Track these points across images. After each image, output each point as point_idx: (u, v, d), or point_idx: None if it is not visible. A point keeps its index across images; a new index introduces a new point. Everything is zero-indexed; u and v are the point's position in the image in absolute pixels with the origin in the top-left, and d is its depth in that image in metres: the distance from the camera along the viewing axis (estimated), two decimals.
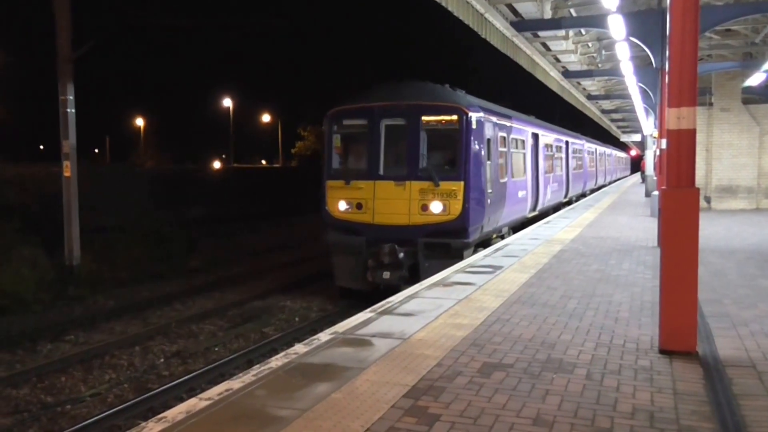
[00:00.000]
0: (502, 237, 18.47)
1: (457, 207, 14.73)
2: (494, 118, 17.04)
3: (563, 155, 30.21)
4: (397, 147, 15.44)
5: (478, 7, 19.38)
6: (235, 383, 5.91)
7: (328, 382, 5.94)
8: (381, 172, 15.34)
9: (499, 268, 12.21)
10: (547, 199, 25.05)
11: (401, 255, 14.73)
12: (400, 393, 5.64)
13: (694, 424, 4.98)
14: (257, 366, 6.43)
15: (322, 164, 16.37)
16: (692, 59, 6.92)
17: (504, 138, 18.10)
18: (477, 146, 15.26)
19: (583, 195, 39.66)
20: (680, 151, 6.92)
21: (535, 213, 23.09)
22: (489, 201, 15.91)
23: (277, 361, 6.56)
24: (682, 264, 6.80)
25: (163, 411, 5.45)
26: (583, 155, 38.68)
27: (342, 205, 15.61)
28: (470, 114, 15.03)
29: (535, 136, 23.31)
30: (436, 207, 14.81)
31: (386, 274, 14.78)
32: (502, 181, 17.47)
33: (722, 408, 5.32)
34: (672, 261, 6.84)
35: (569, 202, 32.67)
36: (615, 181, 68.40)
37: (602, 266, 12.33)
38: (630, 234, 17.77)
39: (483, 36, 20.66)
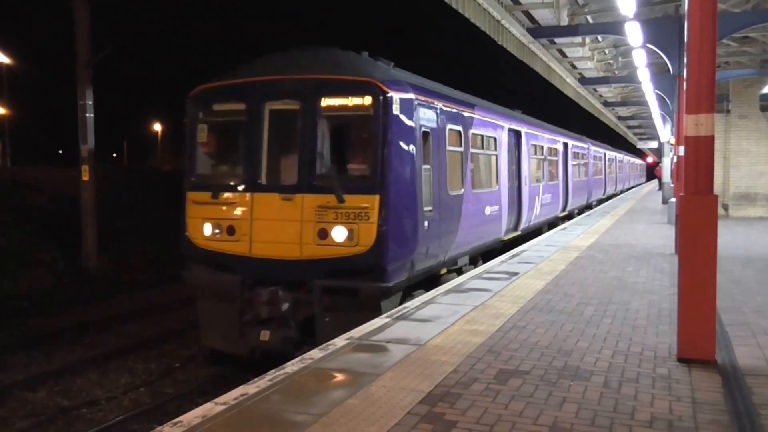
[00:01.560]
0: (460, 271, 13.68)
1: (369, 233, 9.92)
2: (439, 104, 12.21)
3: (560, 160, 25.18)
4: (287, 143, 10.83)
5: (494, 13, 19.37)
6: (250, 388, 5.91)
7: (343, 387, 5.93)
8: (262, 179, 10.70)
9: (515, 274, 12.17)
10: (535, 214, 20.48)
11: (286, 306, 10.29)
12: (416, 399, 5.62)
13: None
14: (273, 371, 6.43)
15: (184, 169, 11.70)
16: (710, 66, 6.88)
17: (459, 133, 13.42)
18: (404, 142, 10.55)
19: (589, 207, 34.96)
20: (698, 158, 6.87)
21: (517, 233, 18.34)
22: (428, 223, 11.19)
23: (293, 366, 6.55)
24: (700, 271, 6.74)
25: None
26: (588, 161, 33.41)
27: (207, 229, 10.85)
28: (392, 94, 10.19)
29: (516, 135, 18.39)
30: (339, 233, 10.03)
31: (264, 335, 10.27)
32: (454, 193, 12.75)
33: (741, 417, 5.27)
34: (690, 268, 6.79)
35: (569, 217, 28.12)
36: (628, 189, 63.98)
37: (619, 273, 12.26)
38: (647, 241, 17.66)
39: (500, 42, 20.64)
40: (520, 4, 19.91)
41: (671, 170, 29.18)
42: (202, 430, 4.97)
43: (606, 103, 44.00)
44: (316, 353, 7.03)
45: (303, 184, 10.35)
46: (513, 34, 21.51)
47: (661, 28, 18.48)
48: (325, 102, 10.40)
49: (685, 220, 6.85)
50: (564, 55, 27.37)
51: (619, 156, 54.98)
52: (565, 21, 21.07)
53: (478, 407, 5.46)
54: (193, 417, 5.22)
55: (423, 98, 11.39)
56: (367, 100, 10.17)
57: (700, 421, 5.16)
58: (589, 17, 21.93)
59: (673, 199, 20.15)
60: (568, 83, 32.16)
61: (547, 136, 22.80)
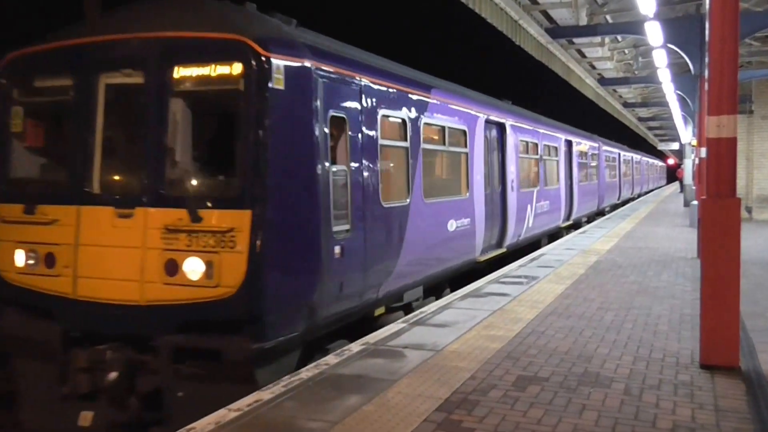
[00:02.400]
0: (408, 308, 10.28)
1: (235, 267, 6.79)
2: (364, 80, 8.90)
3: (562, 160, 21.83)
4: (129, 133, 7.70)
5: (512, 13, 19.27)
6: (264, 394, 5.85)
7: (359, 393, 5.85)
8: (93, 187, 7.44)
9: (534, 278, 12.05)
10: (527, 226, 17.00)
11: (116, 374, 6.98)
12: (433, 406, 5.54)
13: None
14: (287, 377, 6.37)
15: None
16: (732, 66, 6.76)
17: (403, 123, 10.11)
18: (296, 132, 7.44)
19: (601, 213, 31.64)
20: (720, 160, 6.75)
21: (502, 251, 14.97)
22: (341, 248, 7.95)
23: (307, 372, 6.49)
24: (723, 276, 6.61)
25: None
26: (599, 162, 29.79)
27: (20, 257, 7.67)
28: (274, 60, 7.10)
29: (499, 129, 15.23)
30: (193, 267, 6.90)
31: (85, 417, 7.05)
32: (392, 204, 9.49)
33: (766, 425, 5.15)
34: (713, 272, 6.66)
35: (576, 226, 24.73)
36: (647, 193, 59.68)
37: (640, 278, 12.10)
38: (668, 245, 17.47)
39: (517, 43, 20.54)
40: (537, 3, 19.81)
41: (693, 172, 28.89)
42: None
43: (626, 104, 43.74)
44: (331, 359, 6.96)
45: (146, 193, 7.11)
46: (531, 34, 21.40)
47: (682, 28, 18.31)
48: (179, 72, 7.19)
49: (708, 223, 6.73)
50: (583, 55, 27.23)
51: (636, 157, 50.82)
52: (584, 21, 20.94)
53: (496, 414, 5.36)
54: (207, 423, 5.17)
55: (332, 69, 8.03)
56: (236, 68, 6.92)
57: (723, 430, 5.05)
58: (608, 17, 21.78)
59: (695, 202, 19.96)
60: (588, 84, 31.98)
61: (542, 131, 19.16)
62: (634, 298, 10.23)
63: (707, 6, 7.25)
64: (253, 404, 5.59)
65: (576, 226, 24.69)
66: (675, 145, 66.61)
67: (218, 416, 5.34)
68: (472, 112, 13.34)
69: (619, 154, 37.77)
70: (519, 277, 12.26)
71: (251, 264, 6.70)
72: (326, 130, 7.77)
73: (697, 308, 8.70)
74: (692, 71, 19.37)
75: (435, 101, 11.38)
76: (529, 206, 17.08)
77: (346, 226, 8.07)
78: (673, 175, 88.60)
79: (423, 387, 6.04)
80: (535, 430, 5.04)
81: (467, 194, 12.76)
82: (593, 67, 29.99)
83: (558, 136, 21.42)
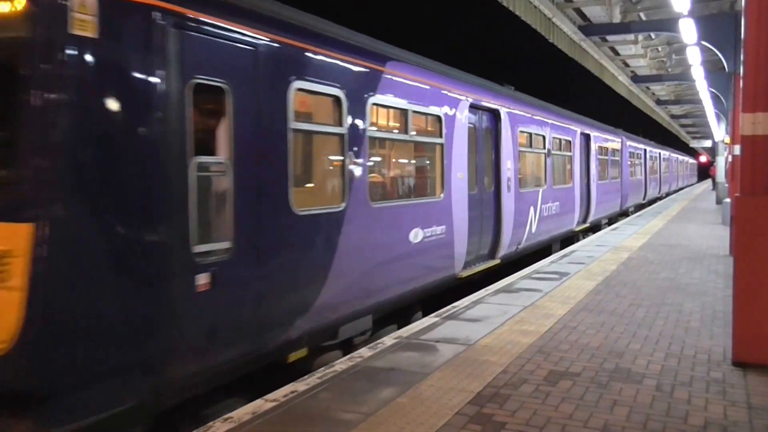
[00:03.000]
0: (349, 345, 8.11)
1: (6, 313, 4.51)
2: (263, 37, 6.54)
3: (576, 156, 19.37)
4: None
5: (545, 11, 19.23)
6: (300, 385, 5.95)
7: (392, 386, 5.93)
8: None
9: (566, 274, 12.05)
10: (530, 232, 14.72)
11: None
12: (465, 399, 5.60)
13: None
14: (322, 369, 6.47)
15: None
16: None
17: (336, 102, 7.83)
18: (120, 104, 5.13)
19: (625, 214, 29.18)
20: (755, 158, 6.73)
21: (495, 263, 12.71)
22: (210, 277, 5.72)
23: (341, 365, 6.59)
24: (756, 273, 6.60)
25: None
26: (622, 158, 27.31)
27: None
28: None
29: (491, 116, 12.87)
30: None
31: None
32: (312, 212, 7.27)
33: None
34: (746, 270, 6.65)
35: (594, 228, 22.57)
36: (676, 191, 56.25)
37: (672, 274, 12.05)
38: (700, 242, 17.34)
39: (550, 40, 20.49)
40: (571, 1, 19.78)
41: (726, 170, 28.60)
42: (252, 427, 5.02)
43: (659, 102, 43.41)
44: (365, 351, 7.05)
45: None
46: (564, 32, 21.32)
47: (717, 25, 18.15)
48: None
49: (741, 220, 6.72)
50: (616, 52, 27.09)
51: (665, 153, 47.29)
52: (617, 18, 20.85)
53: (528, 409, 5.42)
54: (244, 413, 5.28)
55: (202, 15, 5.74)
56: (18, 2, 4.69)
57: (756, 427, 5.05)
58: (642, 14, 21.64)
59: (728, 200, 19.79)
60: (620, 81, 31.78)
61: (551, 122, 16.73)
62: (666, 294, 10.21)
63: (743, 3, 7.22)
64: (288, 395, 5.70)
65: (594, 228, 22.41)
66: (707, 143, 65.91)
67: (255, 406, 5.45)
68: (451, 94, 10.79)
69: (645, 150, 35.32)
70: (550, 273, 12.26)
71: (32, 307, 4.47)
72: (186, 105, 5.49)
73: (729, 305, 8.65)
74: (726, 68, 19.17)
75: (391, 76, 8.95)
76: (532, 209, 14.85)
77: (225, 244, 5.86)
78: (704, 172, 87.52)
79: (455, 380, 6.10)
80: (567, 425, 5.09)
81: (441, 196, 10.39)
82: (626, 65, 29.82)
83: (572, 129, 19.05)
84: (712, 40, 18.18)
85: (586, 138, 21.07)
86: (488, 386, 5.95)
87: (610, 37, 24.17)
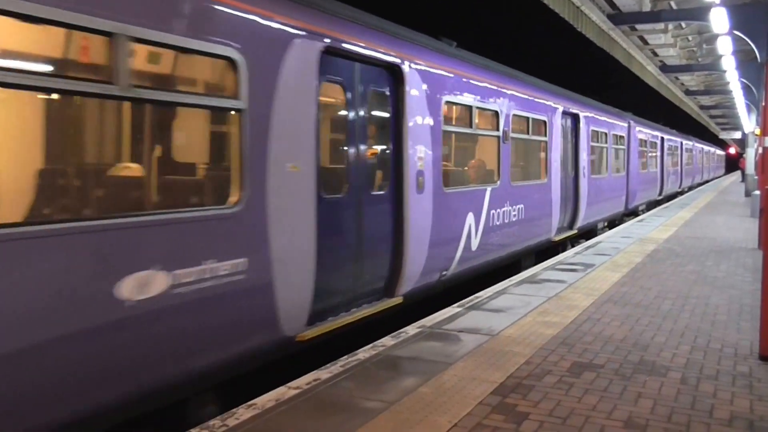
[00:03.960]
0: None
1: None
2: None
3: (554, 141, 14.89)
4: None
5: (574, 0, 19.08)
6: (323, 373, 5.97)
7: (415, 375, 5.94)
8: None
9: (591, 266, 11.98)
10: (465, 252, 10.45)
11: None
12: (488, 389, 5.59)
13: None
14: (345, 357, 6.48)
15: None
16: None
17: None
18: None
19: (634, 214, 25.40)
20: None
21: (393, 301, 8.54)
22: None
23: (364, 353, 6.60)
24: None
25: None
26: (630, 146, 23.23)
27: None
28: None
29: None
30: None
31: None
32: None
33: None
34: None
35: (588, 234, 18.71)
36: (700, 185, 51.69)
37: (698, 267, 11.94)
38: (728, 234, 17.16)
39: (579, 29, 20.34)
40: None
41: (755, 162, 28.27)
42: (276, 413, 5.04)
43: (688, 92, 43.00)
44: (388, 341, 7.06)
45: None
46: (593, 21, 21.14)
47: (750, 14, 17.92)
48: None
49: None
50: (645, 42, 26.84)
51: (688, 143, 42.66)
52: (647, 7, 20.65)
53: (551, 400, 5.40)
54: (267, 400, 5.30)
55: None
56: None
57: None
58: (672, 3, 21.40)
59: (757, 192, 19.56)
60: (649, 71, 31.49)
61: (511, 93, 12.39)
62: (692, 287, 10.12)
63: None
64: (311, 383, 5.72)
65: (588, 234, 18.66)
66: (737, 134, 65.20)
67: (278, 393, 5.48)
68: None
69: (662, 139, 30.90)
70: (575, 264, 12.19)
71: None
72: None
73: (757, 299, 8.57)
74: (758, 59, 18.93)
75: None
76: (471, 216, 10.62)
77: None
78: (733, 164, 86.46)
79: (478, 370, 6.09)
80: (590, 416, 5.06)
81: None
82: (655, 54, 29.54)
83: (549, 105, 14.67)
84: (745, 29, 17.94)
85: (573, 119, 16.60)
86: (511, 377, 5.93)
87: (639, 26, 23.96)
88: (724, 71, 26.71)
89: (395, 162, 8.63)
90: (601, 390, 5.64)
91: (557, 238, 15.21)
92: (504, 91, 12.06)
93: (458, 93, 10.33)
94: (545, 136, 14.40)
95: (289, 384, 5.69)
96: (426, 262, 9.09)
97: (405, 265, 8.57)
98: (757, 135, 25.82)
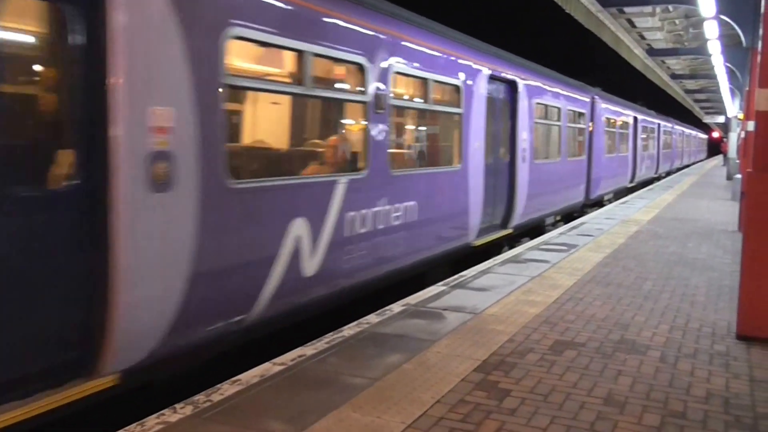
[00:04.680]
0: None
1: None
2: None
3: (476, 116, 11.40)
4: None
5: None
6: (308, 350, 6.03)
7: (399, 352, 6.01)
8: None
9: (574, 246, 12.09)
10: (294, 281, 6.91)
11: None
12: (471, 367, 5.67)
13: None
14: (330, 334, 6.54)
15: None
16: None
17: None
18: None
19: (598, 204, 21.90)
20: None
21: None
22: None
23: (349, 330, 6.67)
24: (764, 249, 6.62)
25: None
26: (596, 127, 20.39)
27: None
28: None
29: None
30: None
31: None
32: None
33: None
34: (755, 245, 6.68)
35: (533, 231, 15.17)
36: (679, 170, 48.96)
37: (679, 248, 12.08)
38: (709, 217, 17.32)
39: (567, 11, 20.35)
40: None
41: (737, 146, 28.45)
42: (261, 389, 5.10)
43: (674, 76, 43.10)
44: (373, 318, 7.13)
45: None
46: (581, 2, 21.15)
47: None
48: None
49: (752, 196, 6.73)
50: (633, 25, 26.86)
51: (667, 125, 39.36)
52: None
53: (533, 377, 5.48)
54: (252, 376, 5.36)
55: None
56: None
57: (757, 400, 5.11)
58: None
59: (739, 175, 19.73)
60: (636, 54, 31.55)
61: (414, 44, 9.47)
62: (673, 268, 10.24)
63: None
64: (296, 359, 5.78)
65: (534, 231, 15.25)
66: (720, 119, 65.50)
67: (263, 369, 5.53)
68: None
69: (636, 119, 27.99)
70: (559, 245, 12.29)
71: None
72: None
73: (735, 280, 8.71)
74: (744, 43, 19.03)
75: None
76: (303, 229, 6.99)
77: None
78: (715, 148, 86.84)
79: (462, 348, 6.17)
80: (571, 394, 5.15)
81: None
82: (642, 38, 29.57)
83: (462, 63, 10.92)
84: (731, 13, 18.03)
85: (509, 88, 13.12)
86: (494, 354, 6.02)
87: (627, 9, 23.95)
88: (710, 55, 26.80)
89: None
90: (582, 368, 5.74)
91: (479, 242, 11.64)
92: (376, 34, 8.47)
93: (271, 27, 6.54)
94: (459, 107, 10.75)
95: (273, 360, 5.75)
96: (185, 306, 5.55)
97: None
98: (740, 119, 26.01)
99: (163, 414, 4.59)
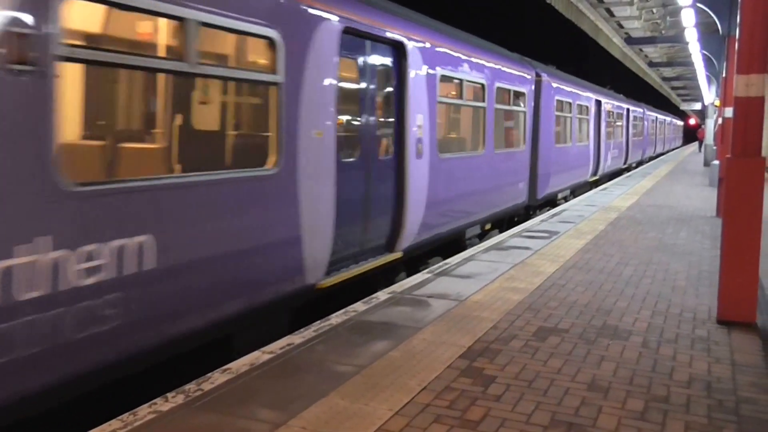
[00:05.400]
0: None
1: None
2: None
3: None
4: None
5: None
6: (296, 338, 6.06)
7: (385, 340, 6.05)
8: None
9: (555, 233, 12.17)
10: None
11: None
12: (456, 353, 5.72)
13: (752, 396, 4.96)
14: (318, 322, 6.57)
15: None
16: (764, 25, 6.77)
17: None
18: None
19: (551, 203, 19.01)
20: (748, 120, 6.79)
21: None
22: None
23: (337, 318, 6.69)
24: (744, 234, 6.72)
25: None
26: (544, 109, 16.83)
27: None
28: None
29: None
30: None
31: None
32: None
33: None
34: (734, 230, 6.77)
35: (436, 253, 11.54)
36: (652, 159, 46.28)
37: (659, 234, 12.20)
38: (688, 203, 17.49)
39: (548, 1, 20.41)
40: None
41: (714, 132, 28.69)
42: (250, 377, 5.12)
43: (651, 64, 43.34)
44: (359, 306, 7.16)
45: None
46: None
47: None
48: None
49: (731, 182, 6.81)
50: (611, 14, 26.98)
51: (637, 110, 35.88)
52: None
53: (517, 363, 5.54)
54: (242, 365, 5.38)
55: None
56: None
57: (739, 383, 5.19)
58: None
59: (716, 162, 19.91)
60: (615, 43, 31.74)
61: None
62: (653, 254, 10.35)
63: None
64: (285, 347, 5.80)
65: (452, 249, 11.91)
66: (697, 106, 66.00)
67: (252, 358, 5.55)
68: None
69: (599, 102, 24.51)
70: (541, 232, 12.38)
71: None
72: None
73: (715, 265, 8.84)
74: (720, 31, 19.17)
75: None
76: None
77: None
78: (691, 135, 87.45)
79: (447, 335, 6.22)
80: (555, 380, 5.21)
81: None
82: (621, 27, 29.72)
83: (314, 14, 7.20)
84: (708, 2, 18.16)
85: (394, 52, 9.30)
86: (479, 341, 6.07)
87: None
88: (687, 43, 26.97)
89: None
90: (566, 354, 5.80)
91: (330, 282, 7.71)
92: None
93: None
94: (273, 72, 6.60)
95: (263, 348, 5.77)
96: None
97: None
98: (717, 106, 26.21)
99: (155, 403, 4.60)
